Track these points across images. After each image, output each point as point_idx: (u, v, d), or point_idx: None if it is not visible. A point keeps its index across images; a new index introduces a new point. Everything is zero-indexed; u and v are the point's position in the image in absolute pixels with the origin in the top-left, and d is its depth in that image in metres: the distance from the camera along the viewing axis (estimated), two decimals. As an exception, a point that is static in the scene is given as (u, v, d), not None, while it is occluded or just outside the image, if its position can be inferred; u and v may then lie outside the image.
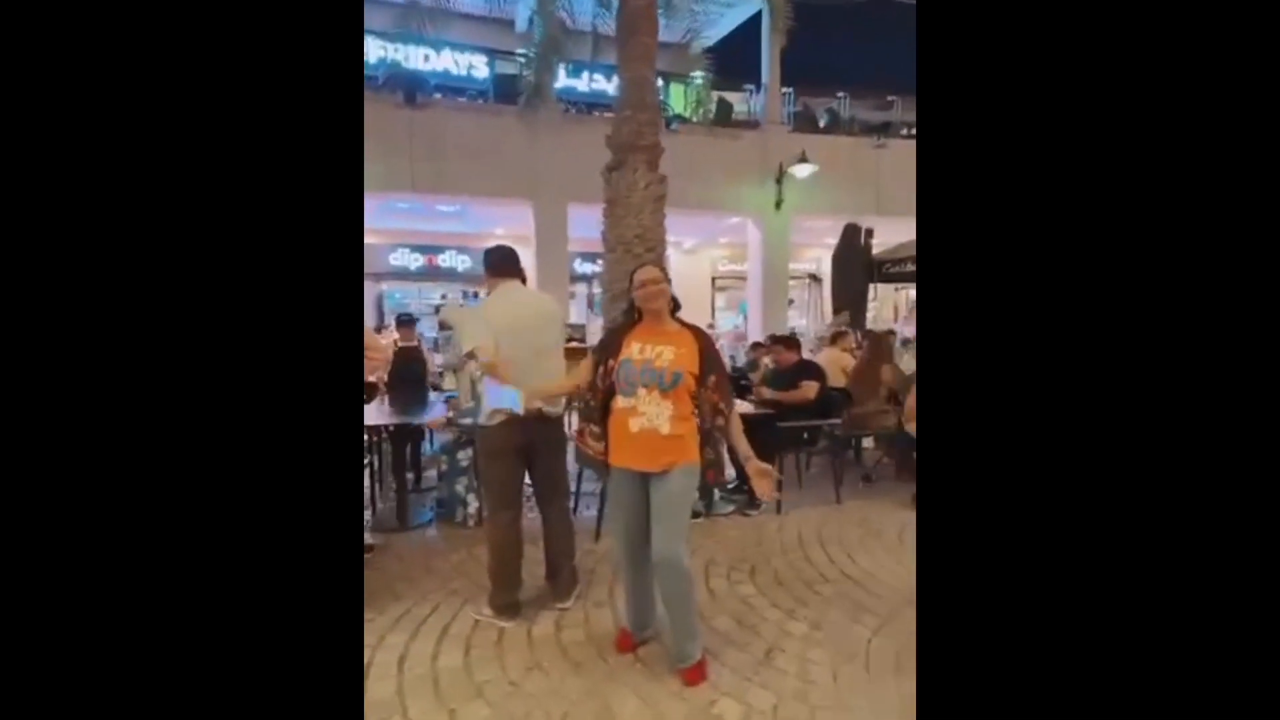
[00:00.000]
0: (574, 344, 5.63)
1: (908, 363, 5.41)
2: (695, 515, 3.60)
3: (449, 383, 5.06)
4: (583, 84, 8.80)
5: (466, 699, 2.06)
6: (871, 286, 7.45)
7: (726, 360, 3.66)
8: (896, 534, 3.59)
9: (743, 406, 4.05)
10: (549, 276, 8.44)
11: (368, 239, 9.83)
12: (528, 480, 2.65)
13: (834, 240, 7.54)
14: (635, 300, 2.16)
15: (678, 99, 9.12)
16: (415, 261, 11.22)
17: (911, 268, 6.60)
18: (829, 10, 8.72)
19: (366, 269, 9.76)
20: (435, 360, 5.91)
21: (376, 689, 2.10)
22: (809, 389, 4.22)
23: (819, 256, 11.59)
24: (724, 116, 9.42)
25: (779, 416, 4.03)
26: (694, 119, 8.88)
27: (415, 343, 5.50)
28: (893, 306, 12.60)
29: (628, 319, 2.23)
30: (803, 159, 8.82)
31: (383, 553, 3.30)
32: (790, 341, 4.71)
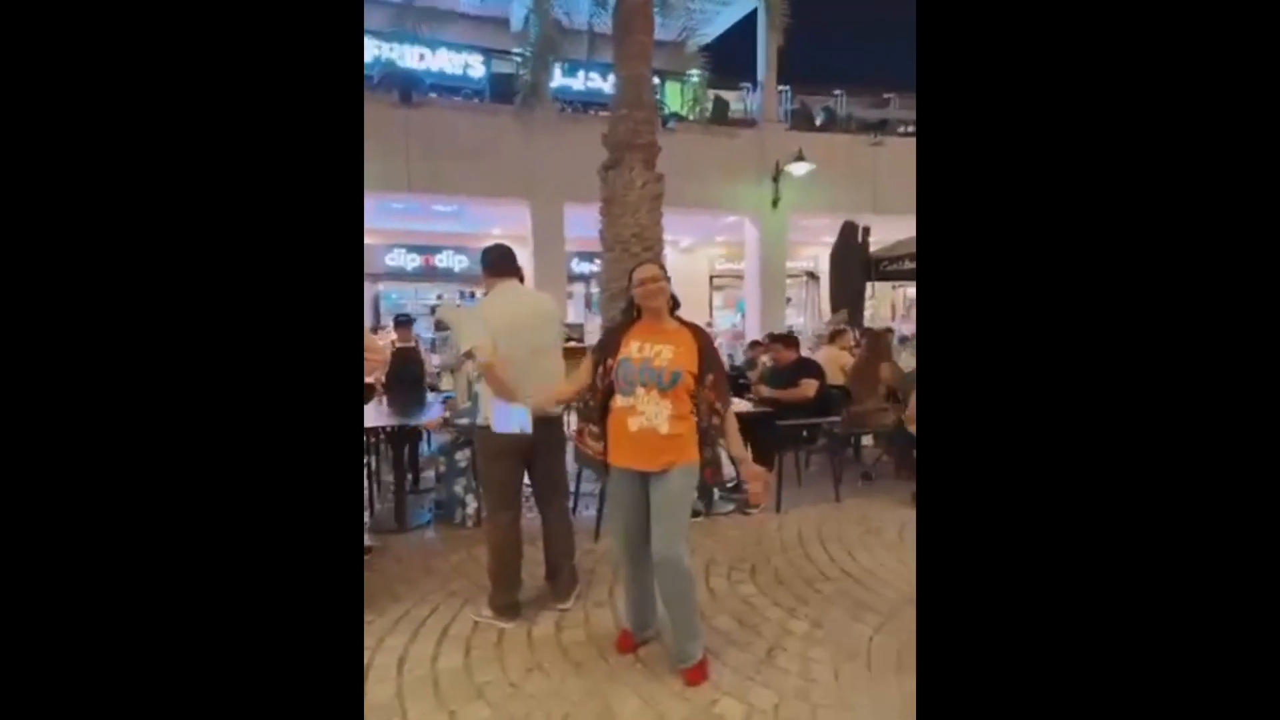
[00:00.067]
0: (572, 344, 5.61)
1: (905, 360, 5.42)
2: (695, 515, 3.59)
3: (446, 383, 5.05)
4: (579, 83, 8.80)
5: (467, 701, 2.05)
6: (869, 284, 7.45)
7: (725, 359, 3.66)
8: (896, 532, 3.59)
9: (742, 405, 4.05)
10: (546, 276, 8.43)
11: (364, 239, 9.80)
12: (527, 480, 2.64)
13: (831, 238, 7.55)
14: (634, 298, 2.15)
15: (674, 97, 9.12)
16: (412, 262, 11.21)
17: (908, 265, 6.60)
18: (825, 7, 8.73)
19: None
20: (433, 361, 5.89)
21: (376, 691, 2.09)
22: (808, 387, 4.22)
23: (816, 254, 11.60)
24: (720, 115, 9.42)
25: (778, 415, 4.02)
26: (690, 117, 8.88)
27: (413, 343, 5.48)
28: (890, 304, 12.62)
29: (627, 317, 2.22)
30: (799, 157, 8.82)
31: (381, 554, 3.28)
32: (789, 340, 4.71)
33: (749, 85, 9.86)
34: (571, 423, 2.62)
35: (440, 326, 7.36)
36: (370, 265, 10.60)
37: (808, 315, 12.50)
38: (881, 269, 7.03)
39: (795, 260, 11.71)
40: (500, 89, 8.20)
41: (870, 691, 2.09)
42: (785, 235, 9.89)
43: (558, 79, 8.35)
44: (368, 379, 4.27)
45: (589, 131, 5.91)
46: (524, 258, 3.25)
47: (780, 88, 9.77)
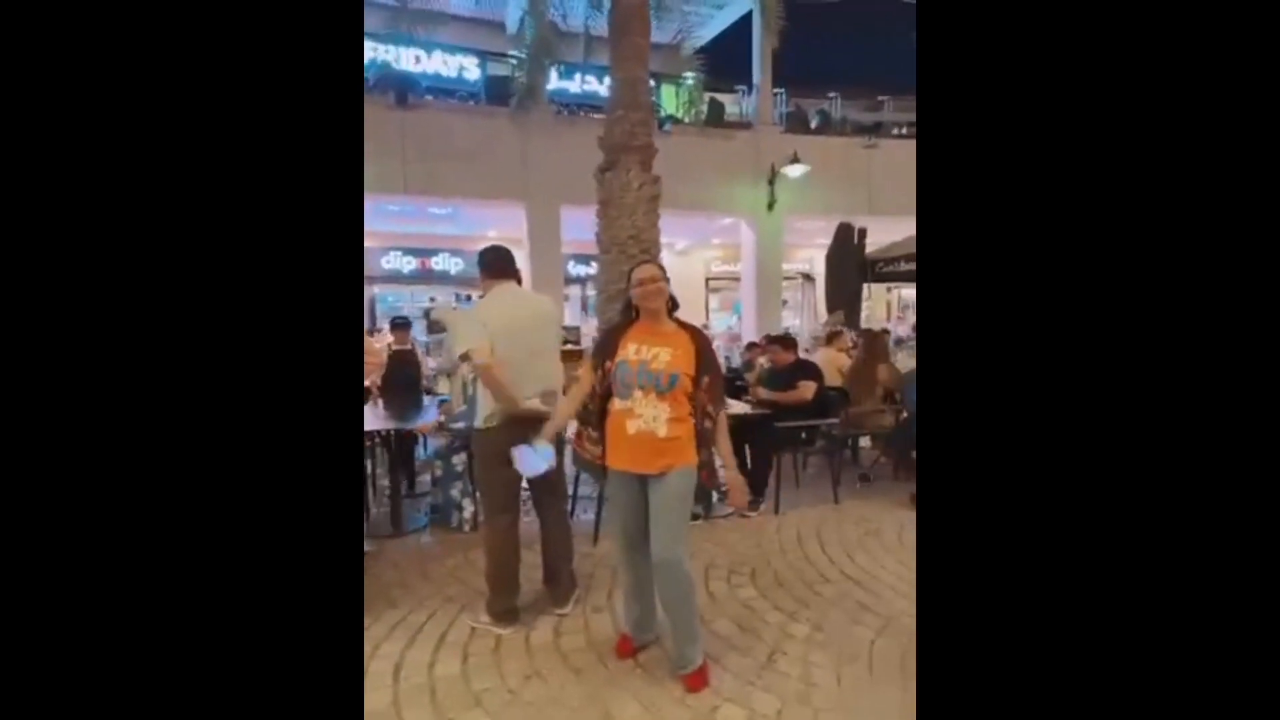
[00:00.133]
0: (568, 346, 5.59)
1: (902, 361, 5.43)
2: (694, 518, 3.57)
3: (443, 386, 5.02)
4: (575, 85, 8.79)
5: (464, 708, 2.03)
6: (865, 286, 7.45)
7: (721, 361, 3.65)
8: (895, 533, 3.58)
9: (739, 407, 4.04)
10: (542, 278, 8.41)
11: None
12: (524, 484, 2.62)
13: (827, 240, 7.55)
14: (633, 299, 2.14)
15: (670, 100, 9.13)
16: (408, 264, 11.17)
17: (904, 267, 6.61)
18: (820, 10, 8.75)
19: (359, 272, 9.69)
20: (429, 364, 5.86)
21: (372, 699, 2.06)
22: (806, 389, 4.21)
23: (812, 256, 11.62)
24: (716, 117, 9.43)
25: (776, 417, 4.02)
26: (686, 120, 8.89)
27: (410, 346, 5.45)
28: (885, 306, 12.65)
29: (625, 318, 2.21)
30: (795, 159, 8.84)
31: (377, 559, 3.25)
32: (787, 341, 4.70)
33: (744, 88, 9.88)
34: (570, 426, 2.60)
35: (434, 329, 7.31)
36: (366, 268, 10.56)
37: (804, 317, 12.52)
38: (877, 270, 7.03)
39: (791, 262, 11.72)
40: (496, 91, 8.19)
41: (872, 695, 2.08)
42: (781, 237, 9.90)
43: (554, 81, 8.34)
44: (364, 382, 4.24)
45: (585, 134, 5.90)
46: (520, 260, 3.22)
47: (775, 90, 9.80)
